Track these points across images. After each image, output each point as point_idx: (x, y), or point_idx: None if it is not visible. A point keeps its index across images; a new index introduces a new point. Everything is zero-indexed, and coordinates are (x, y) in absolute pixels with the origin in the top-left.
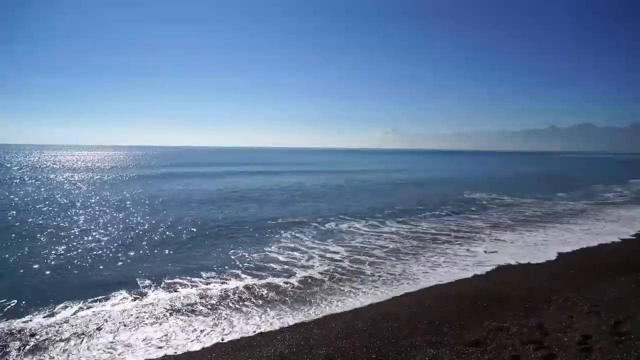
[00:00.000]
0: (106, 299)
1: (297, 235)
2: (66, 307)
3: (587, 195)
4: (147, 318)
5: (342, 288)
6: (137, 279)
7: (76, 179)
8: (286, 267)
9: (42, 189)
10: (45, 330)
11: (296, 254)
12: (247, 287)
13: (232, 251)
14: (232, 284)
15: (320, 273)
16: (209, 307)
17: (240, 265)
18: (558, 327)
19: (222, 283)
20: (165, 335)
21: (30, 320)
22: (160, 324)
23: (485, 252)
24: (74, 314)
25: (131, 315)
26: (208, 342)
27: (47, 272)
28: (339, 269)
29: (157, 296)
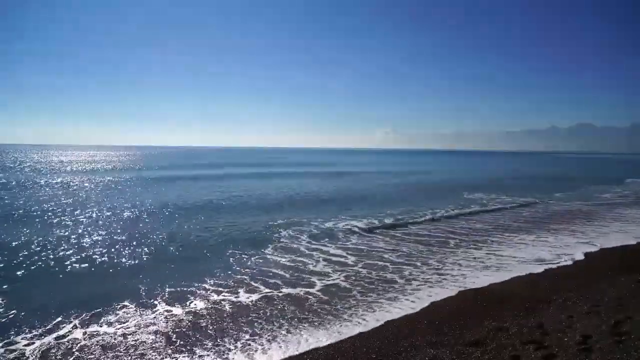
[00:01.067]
0: (106, 313)
1: (300, 237)
2: (61, 324)
3: (584, 196)
4: (157, 341)
5: (379, 300)
6: (140, 288)
7: (75, 181)
8: (299, 274)
9: (40, 192)
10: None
11: (305, 259)
12: (264, 299)
13: (239, 256)
14: (243, 296)
15: (342, 281)
16: (223, 325)
17: (249, 272)
18: (558, 327)
19: (232, 294)
20: None
21: (17, 343)
22: (173, 353)
23: (494, 254)
24: (66, 334)
25: (135, 337)
26: None
27: (44, 282)
28: (359, 276)
29: (165, 311)
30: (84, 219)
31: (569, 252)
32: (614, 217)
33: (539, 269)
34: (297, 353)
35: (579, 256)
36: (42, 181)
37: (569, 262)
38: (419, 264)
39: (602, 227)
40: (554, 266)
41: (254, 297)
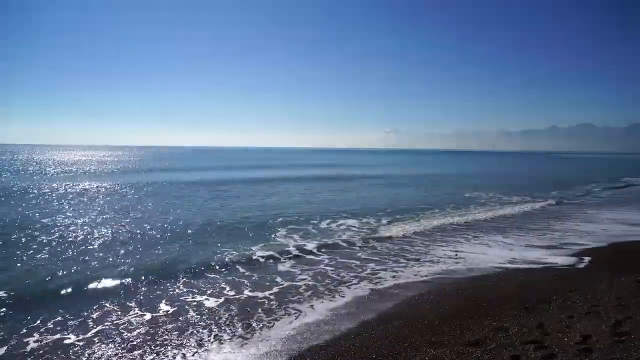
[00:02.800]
0: (68, 320)
1: (293, 236)
2: (24, 334)
3: (581, 195)
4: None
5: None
6: (113, 288)
7: (71, 185)
8: (270, 275)
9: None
10: None
11: (281, 257)
12: (225, 302)
13: (222, 257)
14: (209, 300)
15: (303, 281)
16: (182, 331)
17: (224, 273)
18: (558, 327)
19: (201, 295)
20: None
21: None
22: None
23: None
24: (25, 344)
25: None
26: None
27: (24, 286)
28: (323, 277)
29: (132, 315)
30: (78, 224)
31: (567, 251)
32: (611, 216)
33: (539, 268)
34: (297, 350)
35: (581, 255)
36: (23, 185)
37: (569, 262)
38: (407, 260)
39: (599, 227)
40: (553, 266)
41: (213, 301)
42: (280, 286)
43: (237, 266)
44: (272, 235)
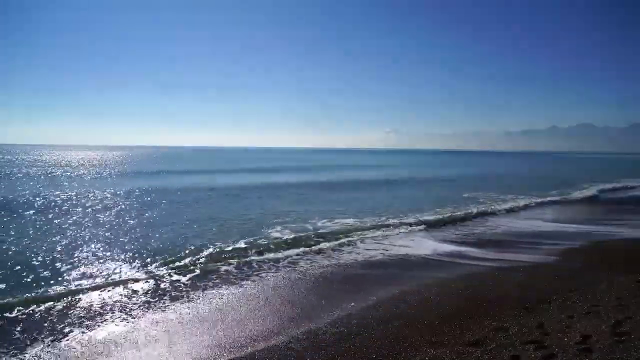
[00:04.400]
0: None
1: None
2: None
3: (579, 194)
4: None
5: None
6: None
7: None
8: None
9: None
10: None
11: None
12: (152, 285)
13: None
14: (141, 282)
15: (228, 266)
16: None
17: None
18: (558, 327)
19: (144, 279)
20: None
21: None
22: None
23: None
24: None
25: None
26: None
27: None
28: (245, 265)
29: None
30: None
31: (566, 250)
32: (610, 215)
33: (535, 267)
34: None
35: (578, 254)
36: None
37: (568, 261)
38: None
39: (599, 226)
40: (550, 265)
41: (141, 283)
42: (206, 271)
43: (201, 258)
44: (261, 232)
